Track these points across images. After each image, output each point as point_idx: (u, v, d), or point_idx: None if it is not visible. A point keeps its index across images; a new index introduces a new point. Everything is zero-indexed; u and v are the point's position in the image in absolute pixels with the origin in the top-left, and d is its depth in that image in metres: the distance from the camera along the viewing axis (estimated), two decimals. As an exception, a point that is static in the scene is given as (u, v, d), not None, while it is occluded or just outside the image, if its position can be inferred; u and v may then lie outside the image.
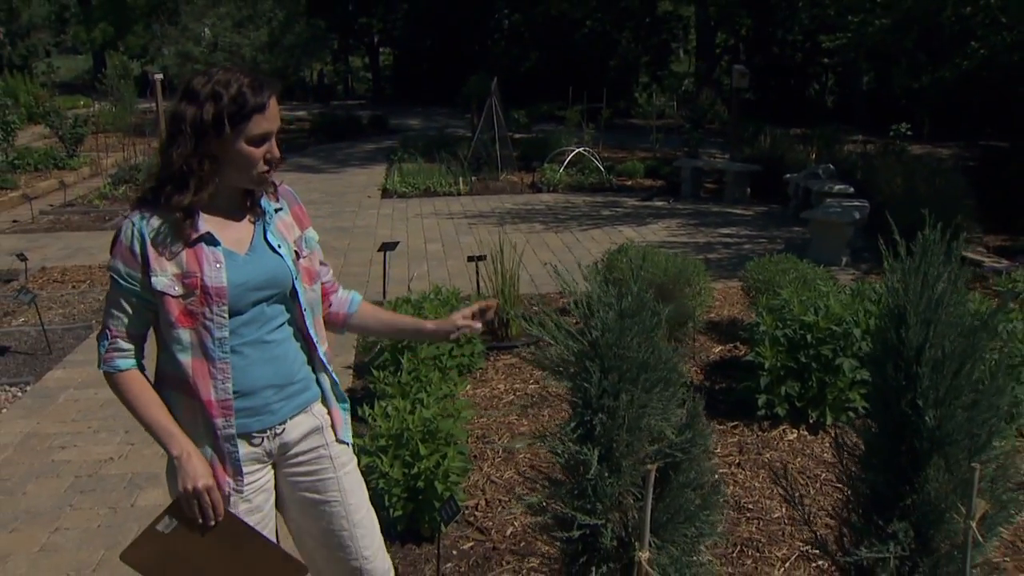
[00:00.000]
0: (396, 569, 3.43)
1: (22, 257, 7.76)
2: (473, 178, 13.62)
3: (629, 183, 13.47)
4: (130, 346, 2.12)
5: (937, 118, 17.83)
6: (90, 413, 5.00)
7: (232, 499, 2.18)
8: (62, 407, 5.11)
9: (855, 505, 2.79)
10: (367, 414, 3.82)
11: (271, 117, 2.09)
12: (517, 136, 17.37)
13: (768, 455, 4.39)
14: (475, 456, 4.37)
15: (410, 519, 3.60)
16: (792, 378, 4.63)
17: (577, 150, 13.76)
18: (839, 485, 3.02)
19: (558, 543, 2.53)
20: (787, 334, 4.66)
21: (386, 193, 12.95)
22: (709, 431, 2.52)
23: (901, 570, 2.62)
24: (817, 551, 3.14)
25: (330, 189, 13.57)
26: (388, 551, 3.56)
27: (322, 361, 2.30)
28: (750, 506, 3.90)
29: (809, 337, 4.58)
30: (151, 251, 2.04)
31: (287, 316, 2.22)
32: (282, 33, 20.80)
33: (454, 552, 3.59)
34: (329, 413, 2.34)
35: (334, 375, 2.35)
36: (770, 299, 5.04)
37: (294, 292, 2.21)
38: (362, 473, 3.63)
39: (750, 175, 11.91)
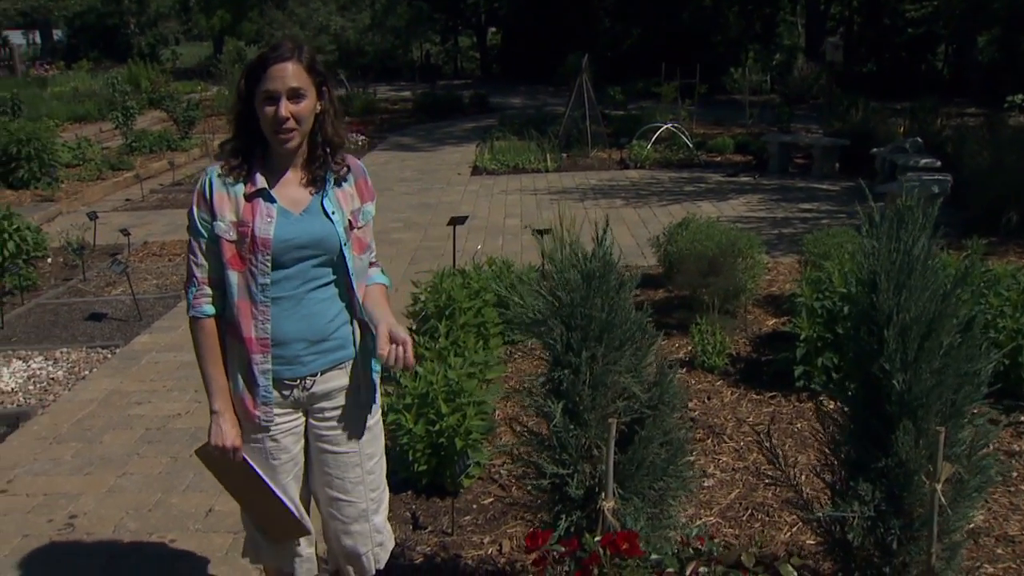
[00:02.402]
0: (417, 518, 3.68)
1: (125, 232, 8.35)
2: (563, 155, 13.74)
3: (718, 159, 13.34)
4: (213, 291, 2.38)
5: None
6: (167, 374, 5.41)
7: (262, 436, 2.44)
8: (144, 368, 5.55)
9: (837, 467, 2.86)
10: (398, 375, 4.05)
11: (274, 78, 2.23)
12: (614, 113, 17.35)
13: (799, 425, 4.43)
14: (511, 419, 4.56)
15: (434, 474, 3.81)
16: (830, 350, 4.64)
17: (665, 126, 13.70)
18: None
19: (532, 492, 2.70)
20: (825, 305, 4.66)
21: (476, 171, 13.20)
22: (678, 390, 2.63)
23: (875, 530, 2.68)
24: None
25: (423, 167, 13.92)
26: (412, 502, 3.82)
27: (362, 325, 2.49)
28: (769, 473, 3.96)
29: (847, 309, 4.58)
30: (216, 198, 2.32)
31: (332, 278, 2.42)
32: (384, 15, 21.26)
33: (474, 506, 3.79)
34: (359, 374, 2.53)
35: (369, 340, 2.51)
36: (813, 271, 5.04)
37: (342, 257, 2.41)
38: (389, 430, 3.88)
39: (839, 150, 11.64)
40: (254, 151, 2.35)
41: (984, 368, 2.62)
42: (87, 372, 5.52)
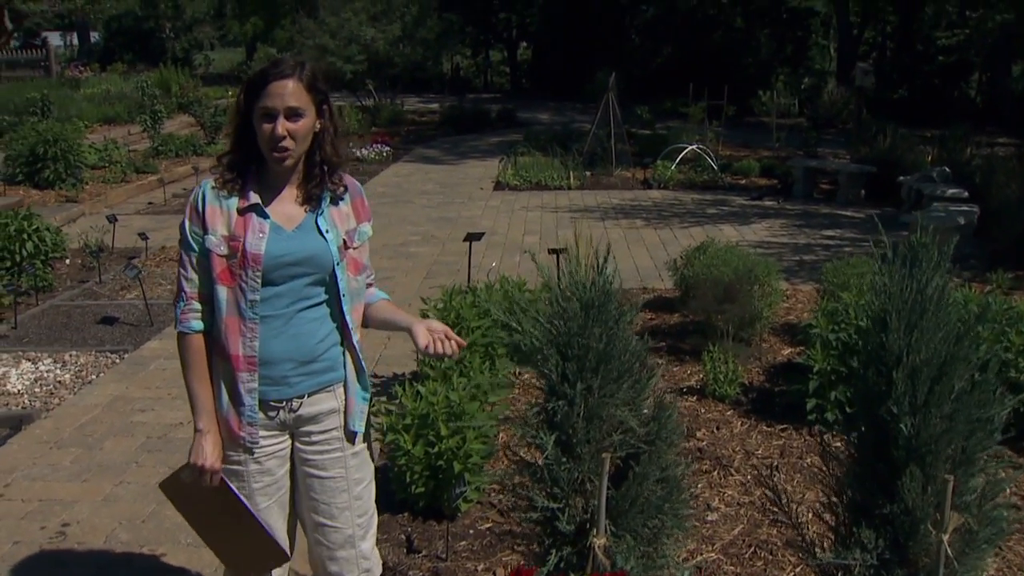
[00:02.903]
0: (412, 542, 3.61)
1: (144, 236, 8.37)
2: (587, 173, 13.67)
3: (743, 182, 13.21)
4: (202, 307, 2.32)
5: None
6: (172, 381, 5.38)
7: (244, 457, 2.38)
8: (150, 374, 5.52)
9: (840, 510, 2.76)
10: (399, 393, 3.99)
11: (273, 95, 2.20)
12: (640, 132, 17.26)
13: (809, 460, 4.32)
14: (507, 445, 4.48)
15: (431, 496, 3.74)
16: (844, 383, 4.53)
17: (690, 147, 13.60)
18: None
19: (523, 524, 2.62)
20: (841, 338, 4.56)
21: (498, 186, 13.16)
22: (676, 425, 2.55)
23: (877, 579, 2.58)
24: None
25: (446, 180, 13.90)
26: (408, 524, 3.75)
27: (354, 348, 2.44)
28: (776, 510, 3.86)
29: (863, 342, 4.46)
30: (208, 212, 2.27)
31: (324, 298, 2.37)
32: (415, 27, 21.31)
33: (471, 531, 3.71)
34: (347, 398, 2.46)
35: (363, 364, 2.48)
36: (830, 302, 4.93)
37: (334, 277, 2.35)
38: (388, 449, 3.82)
39: (865, 177, 11.49)
40: (250, 166, 2.31)
41: (998, 414, 2.52)
42: (94, 376, 5.51)
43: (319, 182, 2.34)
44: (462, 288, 5.51)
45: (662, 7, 27.71)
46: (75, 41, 46.93)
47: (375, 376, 5.46)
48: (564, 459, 2.42)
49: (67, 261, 8.27)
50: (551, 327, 2.45)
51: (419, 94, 29.44)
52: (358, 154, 15.72)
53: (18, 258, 7.37)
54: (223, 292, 2.27)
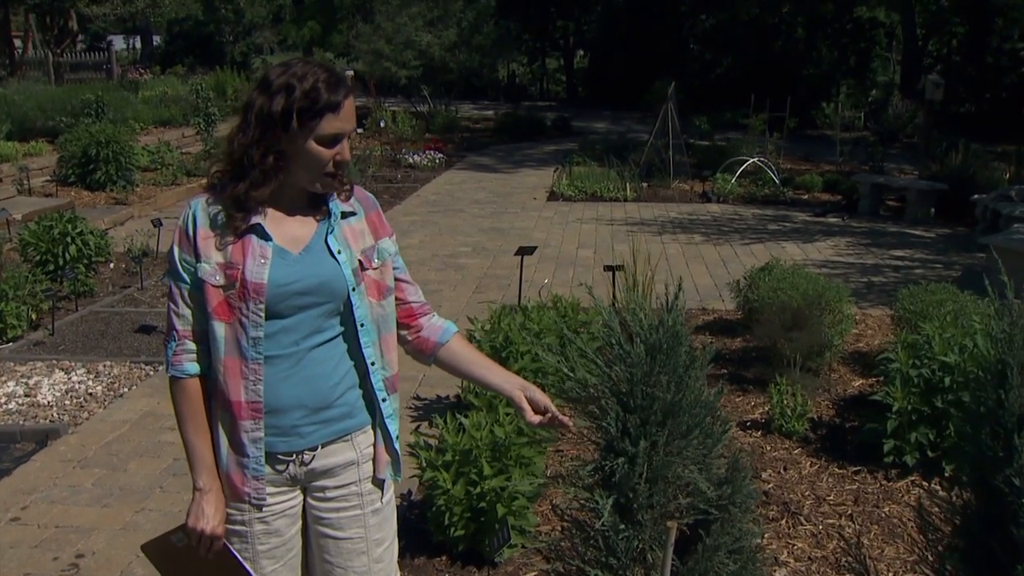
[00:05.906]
0: (448, 591, 3.29)
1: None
2: (643, 185, 13.30)
3: (805, 197, 12.71)
4: (197, 347, 2.00)
5: None
6: (207, 397, 5.15)
7: (248, 516, 2.08)
8: (185, 389, 5.30)
9: (940, 590, 2.39)
10: (439, 425, 3.69)
11: (345, 117, 1.93)
12: (699, 143, 16.83)
13: (887, 509, 3.92)
14: (564, 502, 4.14)
15: (472, 540, 3.43)
16: (926, 424, 4.12)
17: (751, 160, 13.14)
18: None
19: (572, 595, 2.29)
20: (923, 374, 4.15)
21: (552, 196, 12.85)
22: (752, 488, 2.20)
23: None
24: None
25: (499, 189, 13.63)
26: (446, 570, 3.44)
27: (373, 388, 2.09)
28: (853, 566, 3.47)
29: (948, 380, 4.06)
30: (201, 236, 1.95)
31: (340, 331, 2.04)
32: (471, 33, 21.12)
33: (513, 580, 3.40)
34: (374, 446, 2.14)
35: (385, 407, 2.12)
36: (909, 334, 4.52)
37: (350, 305, 2.03)
38: (425, 487, 3.51)
39: (935, 194, 10.94)
40: (260, 190, 1.96)
41: None
42: (126, 389, 5.30)
43: (328, 194, 2.05)
44: (512, 307, 5.20)
45: (723, 16, 27.23)
46: (138, 45, 47.70)
47: (417, 399, 5.17)
48: (623, 526, 2.10)
49: (111, 265, 8.12)
50: (611, 373, 2.13)
51: (474, 101, 29.28)
52: (410, 160, 15.55)
53: (61, 262, 7.23)
54: (220, 329, 1.94)
